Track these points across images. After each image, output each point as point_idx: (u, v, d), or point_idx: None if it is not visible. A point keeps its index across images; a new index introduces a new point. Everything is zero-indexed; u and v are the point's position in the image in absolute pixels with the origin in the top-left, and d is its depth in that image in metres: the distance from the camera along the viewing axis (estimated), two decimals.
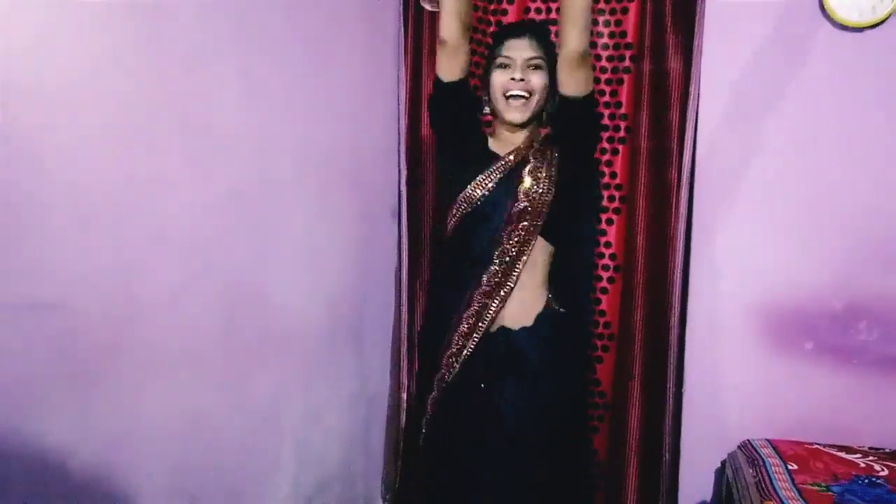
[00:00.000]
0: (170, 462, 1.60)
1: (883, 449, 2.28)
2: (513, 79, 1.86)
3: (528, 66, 1.87)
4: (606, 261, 2.54)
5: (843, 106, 2.32)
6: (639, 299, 2.47)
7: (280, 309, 1.99)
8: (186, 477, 1.66)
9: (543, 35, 1.94)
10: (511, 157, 1.91)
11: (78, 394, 1.35)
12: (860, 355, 2.36)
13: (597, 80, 2.47)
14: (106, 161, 1.39)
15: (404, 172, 2.59)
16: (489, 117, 2.03)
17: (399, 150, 2.58)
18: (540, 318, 1.93)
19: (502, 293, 1.89)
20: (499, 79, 1.89)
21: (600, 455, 2.59)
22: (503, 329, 1.92)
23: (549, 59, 1.89)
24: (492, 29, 2.54)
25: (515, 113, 1.90)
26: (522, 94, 1.88)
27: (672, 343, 2.45)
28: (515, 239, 1.88)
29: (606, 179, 2.51)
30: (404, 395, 2.63)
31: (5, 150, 1.19)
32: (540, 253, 1.92)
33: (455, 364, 1.91)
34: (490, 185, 1.89)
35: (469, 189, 1.90)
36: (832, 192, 2.34)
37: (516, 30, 1.94)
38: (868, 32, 2.26)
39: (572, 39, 1.75)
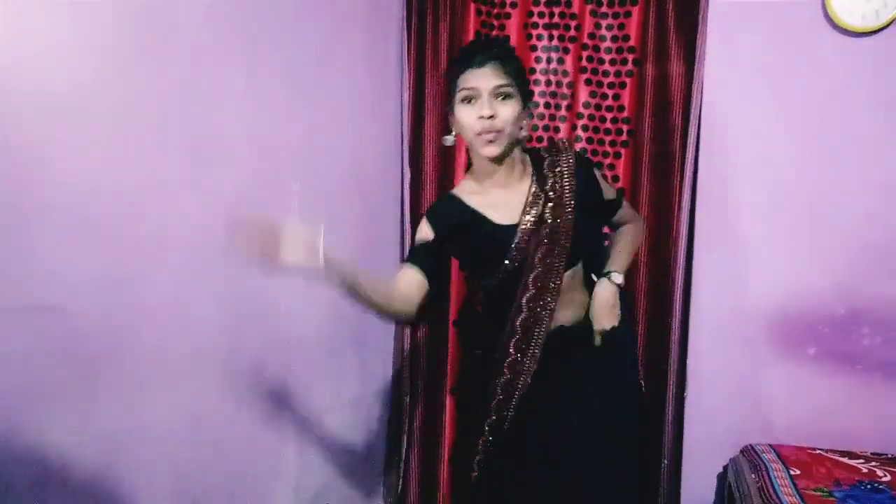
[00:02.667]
0: (172, 465, 1.59)
1: (885, 454, 2.28)
2: (481, 116, 1.63)
3: (496, 96, 1.64)
4: None
5: (846, 111, 2.32)
6: (640, 303, 2.48)
7: (282, 313, 1.98)
8: (188, 480, 1.65)
9: (507, 58, 1.69)
10: (527, 220, 1.73)
11: (81, 397, 1.34)
12: (863, 360, 2.37)
13: (599, 84, 2.50)
14: (109, 165, 1.38)
15: (407, 176, 2.60)
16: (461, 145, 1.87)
17: (402, 154, 2.59)
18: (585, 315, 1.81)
19: (542, 327, 1.74)
20: (465, 116, 1.66)
21: None
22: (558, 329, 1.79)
23: (518, 82, 1.68)
24: (494, 33, 2.56)
25: (490, 148, 1.67)
26: (494, 130, 1.65)
27: (674, 347, 2.45)
28: (542, 282, 1.72)
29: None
30: (406, 400, 2.64)
31: (9, 154, 1.19)
32: (574, 274, 1.78)
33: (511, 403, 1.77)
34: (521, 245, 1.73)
35: (509, 257, 1.73)
36: (836, 197, 2.35)
37: (476, 57, 1.66)
38: (872, 37, 2.28)
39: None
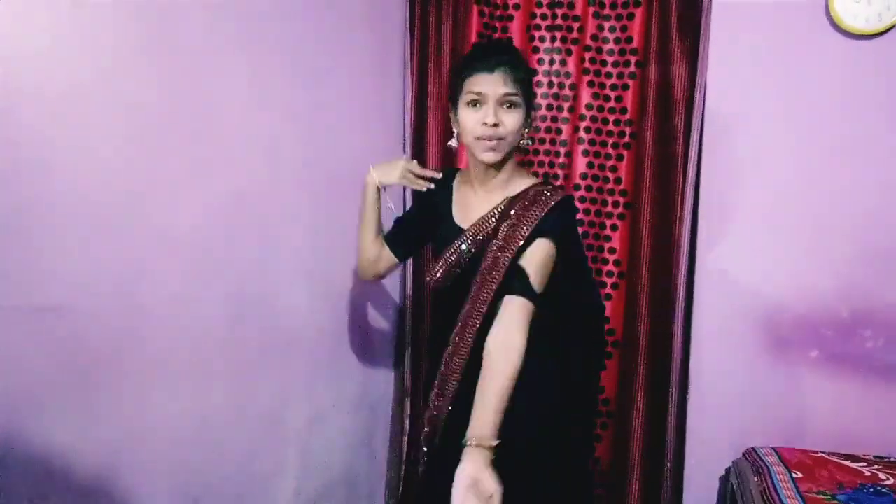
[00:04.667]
0: (174, 465, 1.59)
1: (888, 457, 2.28)
2: (485, 123, 1.64)
3: (502, 105, 1.65)
4: (611, 267, 2.54)
5: (848, 113, 2.32)
6: (643, 306, 2.48)
7: (284, 313, 1.98)
8: (190, 480, 1.65)
9: (518, 66, 1.69)
10: (474, 234, 1.73)
11: (83, 397, 1.34)
12: (865, 363, 2.36)
13: (602, 86, 2.50)
14: (112, 165, 1.38)
15: None
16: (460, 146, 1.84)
17: (404, 154, 2.59)
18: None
19: (461, 370, 1.71)
20: (468, 119, 1.67)
21: (603, 463, 2.58)
22: None
23: (524, 91, 1.68)
24: (497, 35, 2.55)
25: (490, 154, 1.68)
26: (496, 137, 1.66)
27: (676, 350, 2.45)
28: (473, 318, 1.70)
29: (611, 185, 2.52)
30: (408, 401, 2.65)
31: (12, 154, 1.19)
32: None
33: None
34: (458, 256, 1.75)
35: (444, 255, 1.77)
36: (838, 198, 2.35)
37: (487, 62, 1.65)
38: (874, 40, 2.27)
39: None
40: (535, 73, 1.79)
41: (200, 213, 1.63)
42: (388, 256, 1.90)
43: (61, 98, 1.27)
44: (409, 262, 2.60)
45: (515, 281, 1.65)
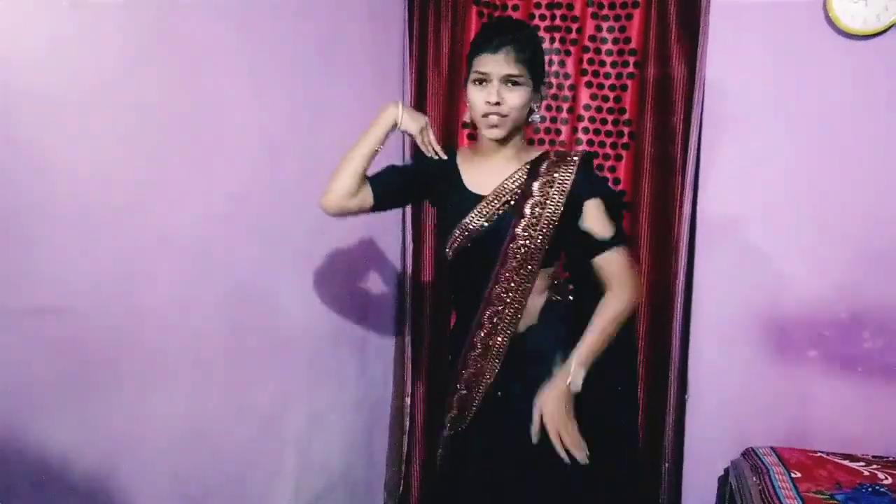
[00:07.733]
0: (173, 466, 1.59)
1: (887, 457, 2.28)
2: (488, 101, 1.68)
3: (506, 83, 1.67)
4: None
5: (847, 113, 2.33)
6: (642, 305, 2.46)
7: (283, 314, 1.98)
8: (189, 481, 1.65)
9: (523, 45, 1.69)
10: (498, 198, 1.75)
11: (81, 398, 1.34)
12: (864, 364, 2.37)
13: (601, 87, 2.50)
14: (111, 166, 1.38)
15: None
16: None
17: (403, 154, 2.58)
18: (543, 313, 1.80)
19: (509, 327, 1.76)
20: (474, 97, 1.71)
21: None
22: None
23: (531, 70, 1.70)
24: None
25: (493, 131, 1.72)
26: (499, 115, 1.70)
27: (675, 350, 2.45)
28: (514, 281, 1.74)
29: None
30: (407, 401, 2.64)
31: (11, 155, 1.19)
32: (542, 277, 1.79)
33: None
34: (482, 222, 1.75)
35: (462, 223, 1.76)
36: (837, 199, 2.36)
37: (492, 42, 1.68)
38: (872, 40, 2.28)
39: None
40: (542, 48, 1.79)
41: (200, 213, 1.63)
42: (363, 195, 1.77)
43: (61, 98, 1.27)
44: (409, 263, 2.61)
45: (592, 241, 1.73)
